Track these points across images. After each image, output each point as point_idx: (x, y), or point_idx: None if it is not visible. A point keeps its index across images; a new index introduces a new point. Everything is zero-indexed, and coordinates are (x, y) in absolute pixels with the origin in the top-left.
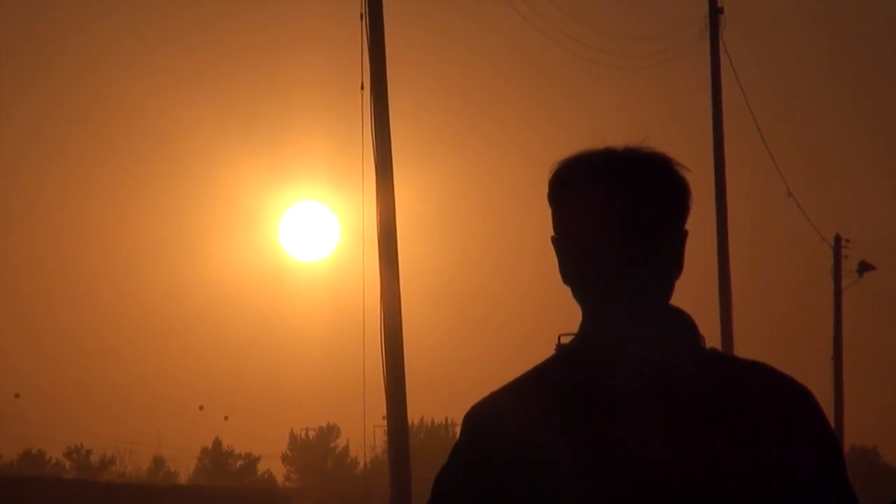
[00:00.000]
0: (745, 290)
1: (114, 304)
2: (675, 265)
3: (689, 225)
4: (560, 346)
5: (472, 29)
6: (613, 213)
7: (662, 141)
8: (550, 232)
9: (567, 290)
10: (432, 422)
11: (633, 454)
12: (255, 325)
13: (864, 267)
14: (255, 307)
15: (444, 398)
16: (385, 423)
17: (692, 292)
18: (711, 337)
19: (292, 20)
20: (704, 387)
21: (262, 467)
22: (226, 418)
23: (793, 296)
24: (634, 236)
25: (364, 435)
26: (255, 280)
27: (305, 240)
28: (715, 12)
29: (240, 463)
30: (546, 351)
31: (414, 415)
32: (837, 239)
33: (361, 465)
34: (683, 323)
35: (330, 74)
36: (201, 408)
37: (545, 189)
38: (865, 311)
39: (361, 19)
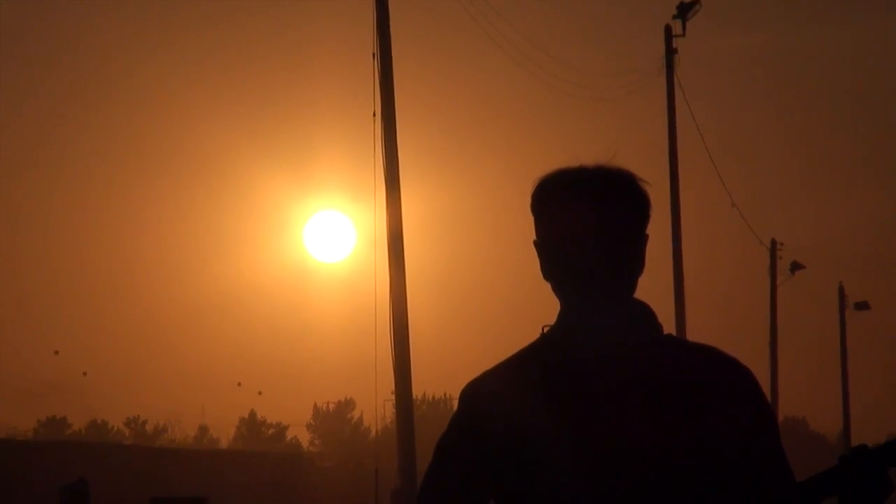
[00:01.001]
0: (697, 285)
1: (166, 297)
2: (637, 265)
3: (649, 230)
4: (543, 334)
5: (468, 67)
6: (585, 221)
7: (627, 159)
8: (533, 237)
9: (547, 286)
10: (433, 396)
11: (601, 423)
12: (284, 315)
13: (795, 266)
14: (284, 300)
15: (443, 376)
16: (393, 397)
17: (651, 287)
18: (668, 324)
19: (317, 57)
20: (662, 366)
21: (290, 434)
22: (259, 393)
23: (736, 290)
24: (603, 240)
25: (375, 407)
26: (285, 278)
27: (326, 244)
28: (670, 53)
29: (271, 431)
30: (530, 336)
31: (417, 390)
32: (773, 243)
33: (373, 433)
34: (645, 313)
35: (347, 104)
36: (239, 384)
37: (528, 200)
38: (796, 304)
39: (374, 58)
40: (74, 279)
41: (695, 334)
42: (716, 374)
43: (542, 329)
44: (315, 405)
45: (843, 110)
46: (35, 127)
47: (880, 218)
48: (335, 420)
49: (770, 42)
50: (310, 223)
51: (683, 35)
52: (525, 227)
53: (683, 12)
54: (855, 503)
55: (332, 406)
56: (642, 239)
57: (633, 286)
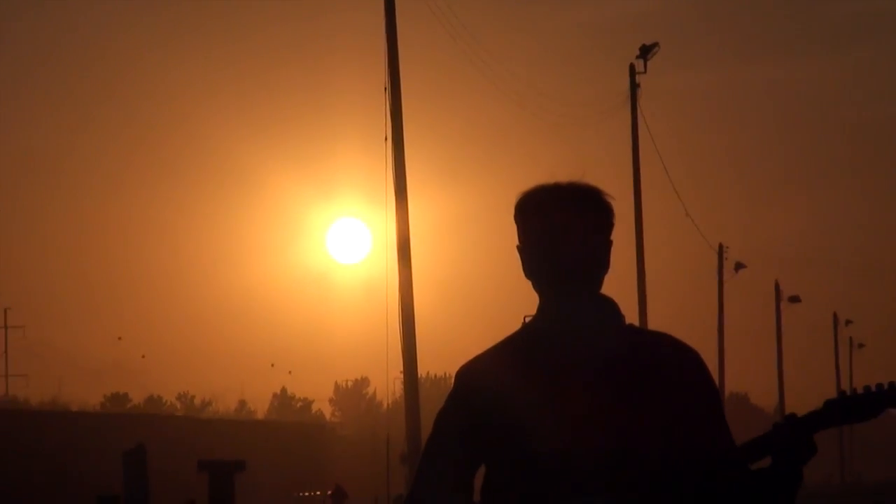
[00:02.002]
0: (656, 282)
1: (210, 292)
2: (603, 265)
3: (614, 236)
4: (524, 323)
5: (466, 96)
6: (560, 229)
7: (597, 177)
8: (516, 242)
9: (528, 283)
10: (436, 375)
11: (574, 395)
12: (310, 307)
13: (738, 266)
14: (310, 295)
15: (444, 358)
16: (402, 376)
17: (617, 284)
18: (632, 316)
19: (339, 86)
20: (625, 350)
21: (315, 407)
22: (289, 372)
23: (689, 287)
24: (575, 245)
25: (387, 384)
26: (310, 276)
27: (346, 247)
28: (634, 87)
29: (299, 404)
30: (515, 326)
31: (422, 370)
32: (720, 247)
33: (385, 406)
34: (610, 306)
35: (365, 126)
36: (272, 365)
37: (512, 210)
38: (740, 297)
39: (385, 92)
40: (134, 277)
41: (654, 324)
42: (670, 355)
43: (524, 319)
44: (336, 383)
45: (778, 135)
46: (98, 139)
47: (811, 224)
48: (353, 395)
49: (716, 79)
50: (331, 229)
51: (645, 72)
52: (511, 232)
53: (645, 53)
54: (785, 462)
55: (350, 384)
56: (608, 243)
57: (600, 283)
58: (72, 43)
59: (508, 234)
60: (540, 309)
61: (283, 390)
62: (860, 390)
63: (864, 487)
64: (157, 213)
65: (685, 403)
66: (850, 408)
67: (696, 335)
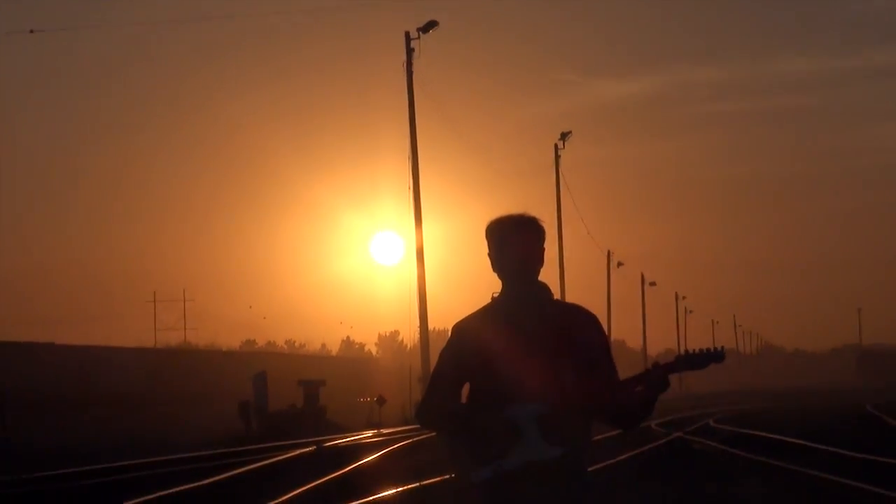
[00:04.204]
0: (570, 273)
1: (302, 276)
2: (540, 263)
3: (546, 246)
4: (493, 298)
5: (463, 157)
6: (516, 242)
7: (534, 209)
8: (487, 251)
9: (495, 275)
10: (438, 329)
11: (527, 342)
12: (361, 293)
13: (619, 264)
14: (361, 287)
15: (444, 320)
16: (419, 330)
17: (546, 275)
18: (556, 294)
19: (377, 128)
20: (556, 313)
21: (366, 349)
22: (351, 327)
23: (589, 276)
24: (525, 251)
25: (410, 334)
26: (360, 273)
27: (385, 252)
28: (557, 157)
29: (357, 346)
30: (488, 299)
31: (430, 326)
32: (608, 253)
33: (408, 347)
34: (545, 288)
35: (403, 166)
36: (341, 323)
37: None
38: (621, 283)
39: (408, 159)
40: (255, 266)
41: (570, 299)
42: (582, 317)
43: (493, 295)
44: (379, 334)
45: (644, 181)
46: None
47: (661, 238)
48: (389, 341)
49: (607, 152)
50: (374, 239)
51: (563, 147)
52: (484, 245)
53: (564, 136)
54: (652, 389)
55: (388, 334)
56: (542, 250)
57: (538, 274)
58: (192, 94)
59: (482, 245)
60: (502, 290)
61: (348, 338)
62: (696, 350)
63: (692, 393)
64: (266, 227)
65: (591, 347)
66: (690, 361)
67: (595, 305)
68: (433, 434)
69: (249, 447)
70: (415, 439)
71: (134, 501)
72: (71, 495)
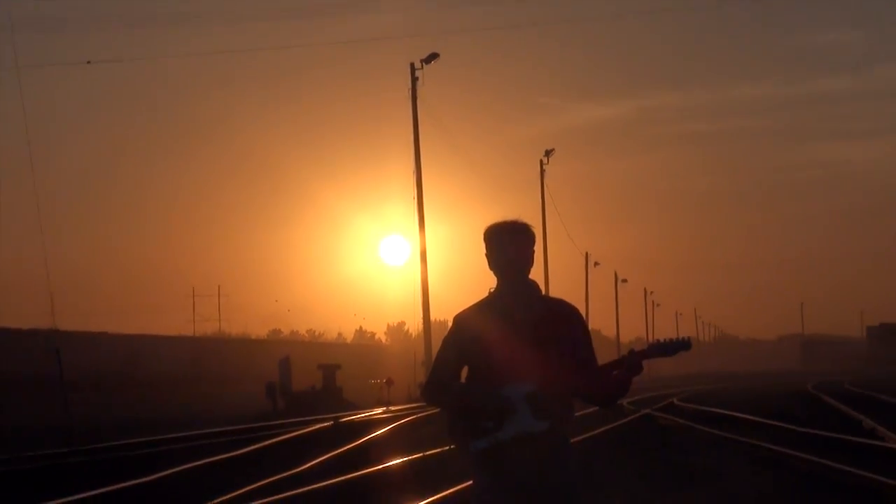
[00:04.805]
0: (554, 272)
1: (318, 273)
2: (530, 263)
3: (536, 249)
4: (490, 292)
5: (463, 172)
6: (510, 245)
7: (524, 216)
8: (484, 252)
9: (491, 273)
10: (439, 320)
11: (518, 332)
12: (373, 289)
13: (596, 264)
14: (372, 284)
15: (445, 311)
16: (422, 321)
17: (535, 274)
18: (543, 290)
19: (386, 147)
20: (543, 306)
21: (377, 337)
22: (363, 318)
23: (570, 275)
24: (518, 253)
25: (415, 324)
26: (371, 272)
27: (392, 254)
28: (542, 173)
29: (369, 335)
30: (485, 293)
31: (433, 317)
32: (587, 255)
33: (413, 335)
34: (535, 284)
35: (405, 177)
36: (355, 315)
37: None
38: (598, 281)
39: (413, 174)
40: (280, 264)
41: (554, 294)
42: (566, 310)
43: (489, 290)
44: (388, 324)
45: (617, 192)
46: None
47: (635, 243)
48: (397, 331)
49: (596, 167)
50: (383, 242)
51: (548, 163)
52: (481, 247)
53: (548, 153)
54: (628, 373)
55: (395, 324)
56: (532, 252)
57: (528, 273)
58: (230, 114)
59: (479, 247)
60: (497, 286)
61: (360, 327)
62: (666, 340)
63: (659, 376)
64: (289, 231)
65: (574, 336)
66: (662, 349)
67: (575, 299)
68: (436, 410)
69: (276, 423)
70: (419, 415)
71: (185, 465)
72: (131, 462)
